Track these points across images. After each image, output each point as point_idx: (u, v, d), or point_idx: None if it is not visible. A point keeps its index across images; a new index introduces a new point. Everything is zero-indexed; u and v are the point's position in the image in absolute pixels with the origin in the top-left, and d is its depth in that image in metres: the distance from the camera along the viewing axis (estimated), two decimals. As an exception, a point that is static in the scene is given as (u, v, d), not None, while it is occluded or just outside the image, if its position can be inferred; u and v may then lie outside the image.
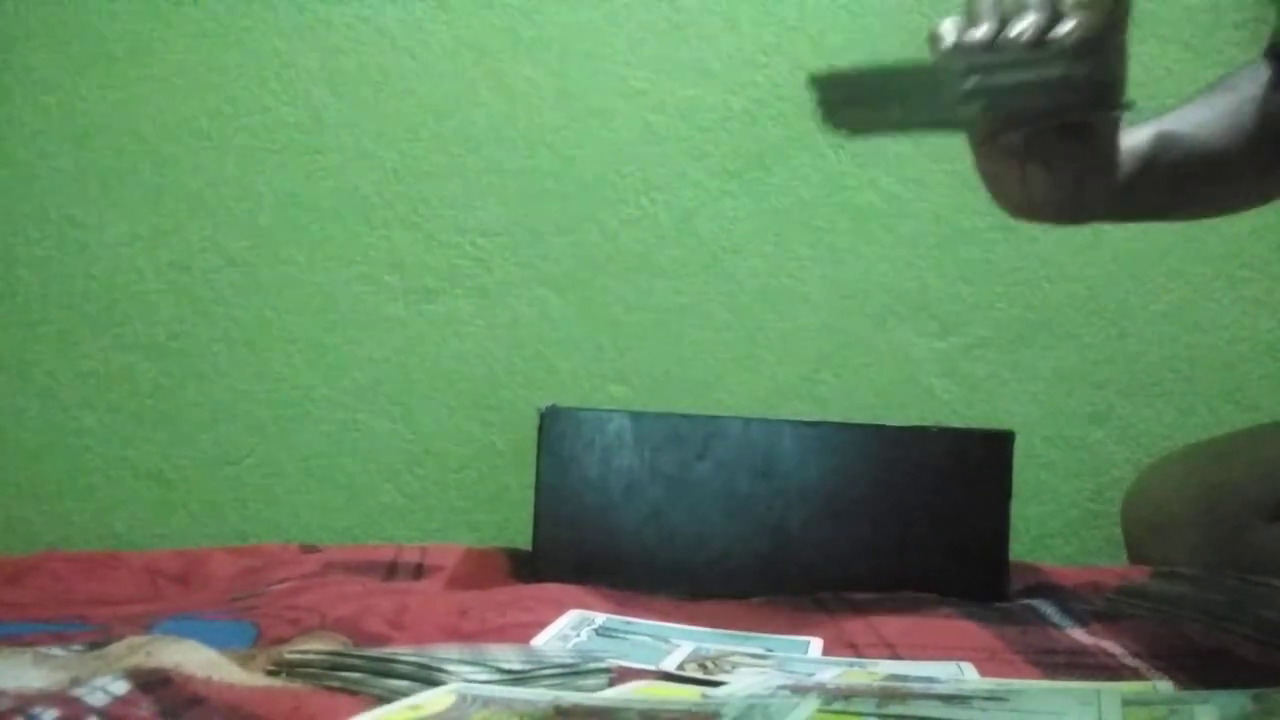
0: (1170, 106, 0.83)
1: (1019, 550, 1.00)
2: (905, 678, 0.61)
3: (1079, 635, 0.76)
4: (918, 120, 0.67)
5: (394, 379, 1.24)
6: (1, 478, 1.22)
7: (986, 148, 0.68)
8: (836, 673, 0.62)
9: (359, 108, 1.24)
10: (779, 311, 1.24)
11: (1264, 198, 0.93)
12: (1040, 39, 0.60)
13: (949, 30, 0.62)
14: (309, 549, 1.04)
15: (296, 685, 0.57)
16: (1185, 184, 0.82)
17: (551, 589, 0.84)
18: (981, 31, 0.61)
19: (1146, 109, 0.72)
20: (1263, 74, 0.87)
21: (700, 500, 0.90)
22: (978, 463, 0.91)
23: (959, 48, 0.61)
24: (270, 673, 0.59)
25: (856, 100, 0.62)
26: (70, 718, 0.46)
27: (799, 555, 0.90)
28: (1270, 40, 0.88)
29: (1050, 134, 0.67)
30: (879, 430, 0.92)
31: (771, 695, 0.53)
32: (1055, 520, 1.24)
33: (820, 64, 1.37)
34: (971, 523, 0.90)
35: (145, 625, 0.71)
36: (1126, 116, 0.68)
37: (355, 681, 0.57)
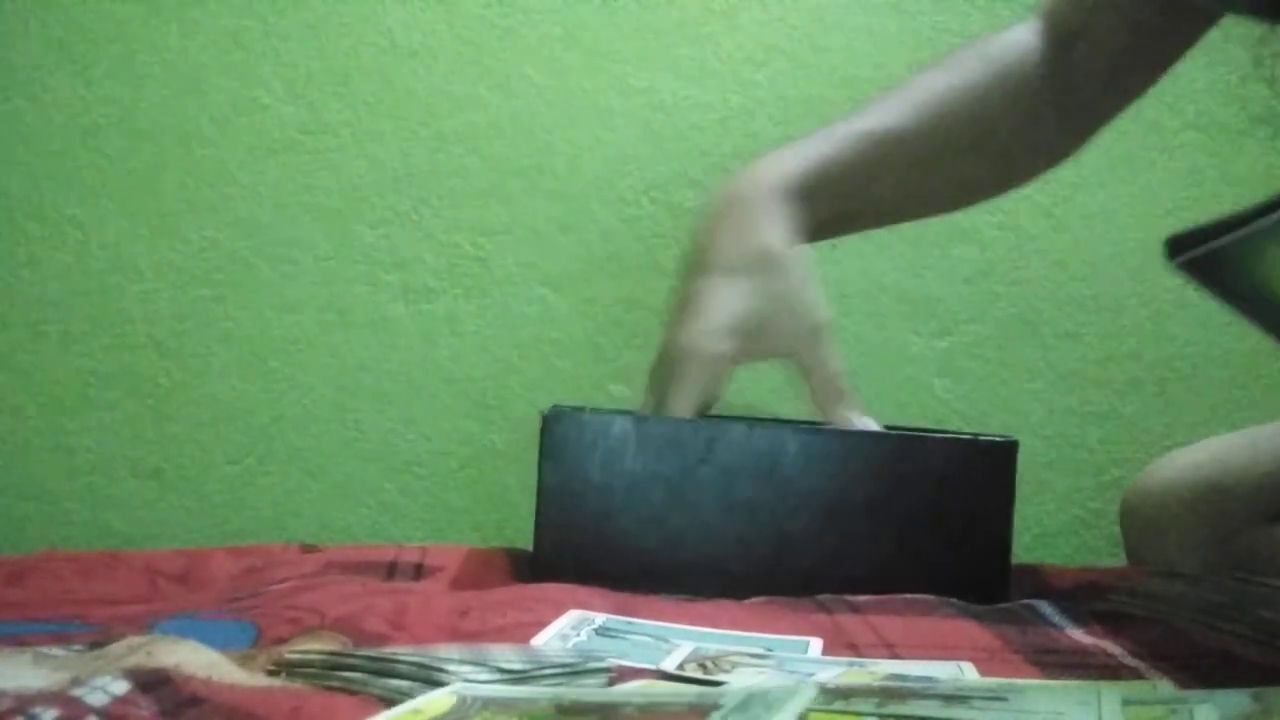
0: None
1: (1019, 550, 1.00)
2: (905, 678, 0.61)
3: (1079, 635, 0.76)
4: None
5: (394, 379, 1.24)
6: (1, 478, 1.22)
7: None
8: (836, 673, 0.62)
9: (359, 108, 1.24)
10: (779, 312, 1.23)
11: (1009, 181, 0.93)
12: None
13: None
14: (309, 549, 1.04)
15: (296, 685, 0.57)
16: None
17: (551, 589, 0.84)
18: None
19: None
20: (1024, 40, 0.85)
21: (702, 504, 0.90)
22: (980, 471, 0.90)
23: None
24: (270, 673, 0.59)
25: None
26: (70, 718, 0.46)
27: (800, 560, 0.89)
28: (1042, 7, 0.85)
29: None
30: (882, 437, 0.92)
31: (769, 685, 0.53)
32: (1055, 520, 1.24)
33: (820, 64, 1.36)
34: (974, 530, 0.90)
35: (145, 625, 0.71)
36: None
37: (355, 681, 0.56)
